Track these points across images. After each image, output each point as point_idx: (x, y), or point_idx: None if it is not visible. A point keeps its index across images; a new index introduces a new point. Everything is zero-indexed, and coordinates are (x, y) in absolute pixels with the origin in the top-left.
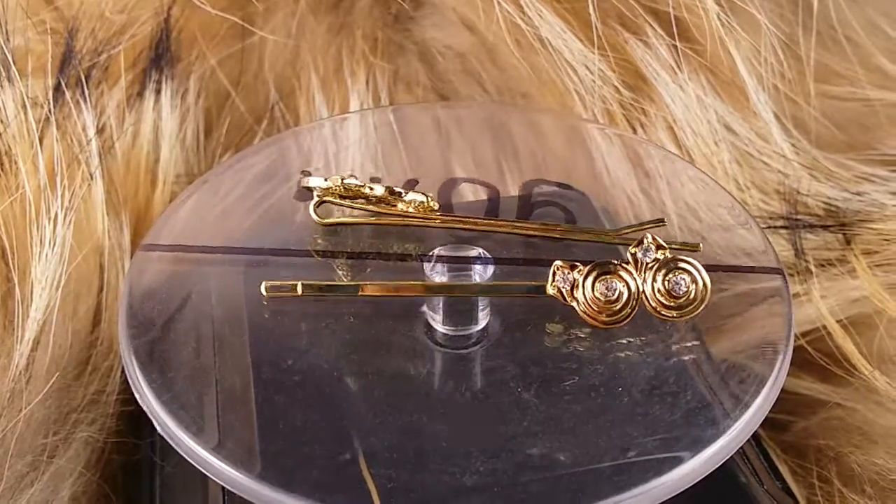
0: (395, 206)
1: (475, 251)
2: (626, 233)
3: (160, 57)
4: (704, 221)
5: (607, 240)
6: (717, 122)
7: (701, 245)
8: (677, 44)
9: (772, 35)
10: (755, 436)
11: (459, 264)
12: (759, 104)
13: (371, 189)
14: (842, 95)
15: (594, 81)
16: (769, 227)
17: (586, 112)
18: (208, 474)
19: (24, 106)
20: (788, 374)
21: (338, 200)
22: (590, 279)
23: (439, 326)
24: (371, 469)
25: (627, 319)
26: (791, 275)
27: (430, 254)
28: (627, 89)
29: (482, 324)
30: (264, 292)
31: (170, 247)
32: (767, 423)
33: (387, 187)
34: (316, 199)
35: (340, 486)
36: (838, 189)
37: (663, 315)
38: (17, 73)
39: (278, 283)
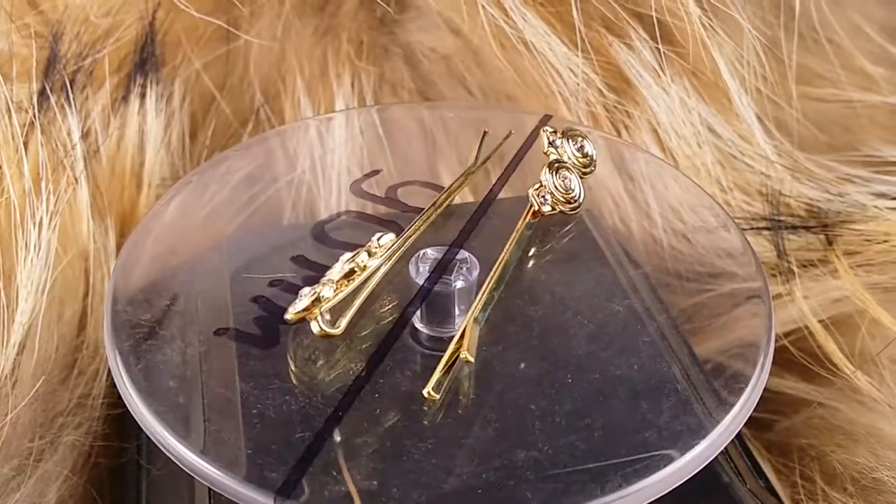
0: (363, 268)
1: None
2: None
3: (145, 61)
4: (688, 223)
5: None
6: (700, 125)
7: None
8: (660, 47)
9: (754, 38)
10: (738, 435)
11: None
12: (741, 106)
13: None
14: (824, 97)
15: (578, 84)
16: (752, 229)
17: (571, 114)
18: (195, 477)
19: (8, 110)
20: (772, 374)
21: (335, 300)
22: (552, 182)
23: (424, 329)
24: (354, 472)
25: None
26: (773, 275)
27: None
28: (611, 92)
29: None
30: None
31: None
32: (752, 422)
33: (348, 271)
34: (317, 317)
35: (325, 490)
36: (820, 190)
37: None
38: (1, 78)
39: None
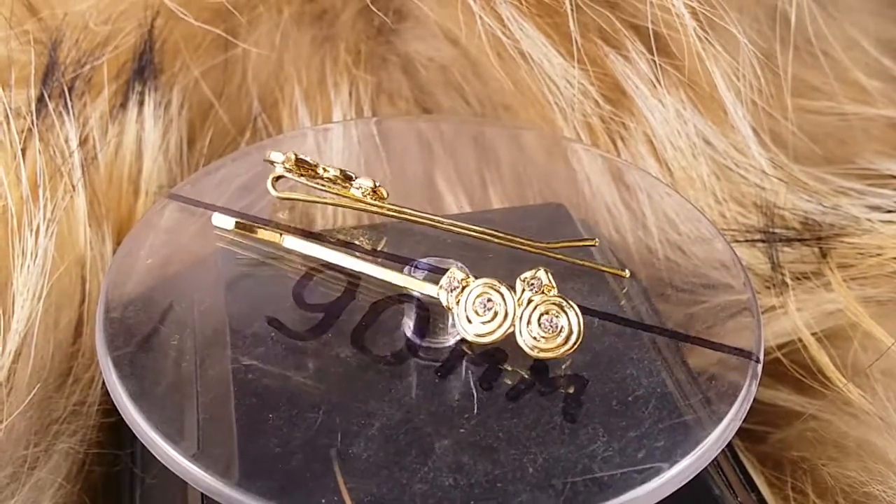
0: (347, 188)
1: (454, 264)
2: (556, 247)
3: (143, 68)
4: (684, 234)
5: (536, 250)
6: (695, 136)
7: (627, 272)
8: (656, 59)
9: (750, 50)
10: (730, 447)
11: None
12: (737, 118)
13: (325, 170)
14: (819, 110)
15: (574, 95)
16: (747, 241)
17: (567, 125)
18: (188, 482)
19: (6, 117)
20: (766, 386)
21: (295, 177)
22: (474, 292)
23: (416, 339)
24: (347, 480)
25: (495, 341)
26: (767, 287)
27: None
28: (608, 103)
29: (456, 337)
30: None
31: (189, 200)
32: (745, 435)
33: (341, 170)
34: (275, 173)
35: (317, 496)
36: (815, 203)
37: (527, 348)
38: None
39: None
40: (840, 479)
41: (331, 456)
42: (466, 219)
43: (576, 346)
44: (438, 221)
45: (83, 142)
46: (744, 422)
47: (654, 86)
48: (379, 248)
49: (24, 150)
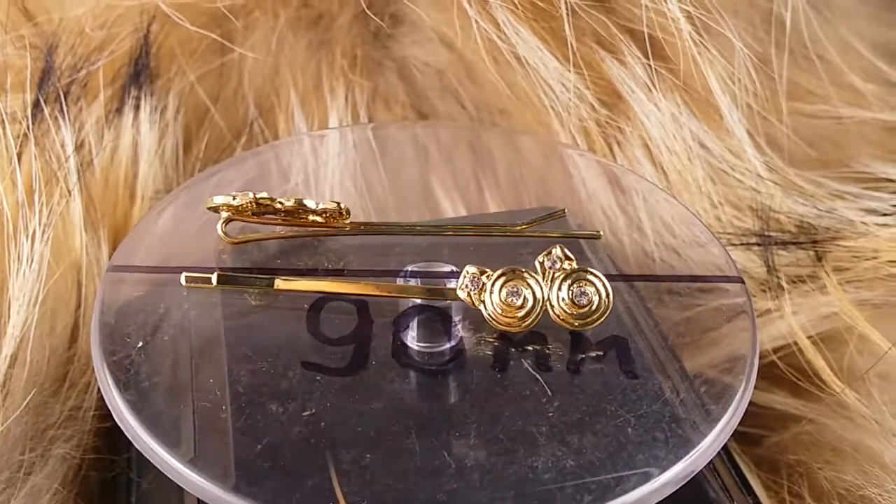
0: (305, 217)
1: (448, 267)
2: (531, 226)
3: (139, 73)
4: (679, 237)
5: (514, 233)
6: (691, 140)
7: (601, 232)
8: (652, 63)
9: (745, 55)
10: (727, 451)
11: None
12: (732, 122)
13: (281, 203)
14: (814, 113)
15: (570, 100)
16: (742, 244)
17: (563, 129)
18: (184, 487)
19: (2, 122)
20: (762, 389)
21: (245, 218)
22: (497, 284)
23: (413, 343)
24: (343, 485)
25: (532, 325)
26: (763, 291)
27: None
28: (603, 107)
29: (455, 340)
30: (183, 282)
31: (138, 268)
32: (742, 438)
33: (297, 200)
34: (224, 217)
35: (314, 501)
36: (810, 206)
37: (566, 323)
38: None
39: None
40: (836, 482)
41: (328, 460)
42: (450, 222)
43: (609, 311)
44: (409, 228)
45: (79, 146)
46: (740, 425)
47: (650, 90)
48: (356, 266)
49: (19, 155)
